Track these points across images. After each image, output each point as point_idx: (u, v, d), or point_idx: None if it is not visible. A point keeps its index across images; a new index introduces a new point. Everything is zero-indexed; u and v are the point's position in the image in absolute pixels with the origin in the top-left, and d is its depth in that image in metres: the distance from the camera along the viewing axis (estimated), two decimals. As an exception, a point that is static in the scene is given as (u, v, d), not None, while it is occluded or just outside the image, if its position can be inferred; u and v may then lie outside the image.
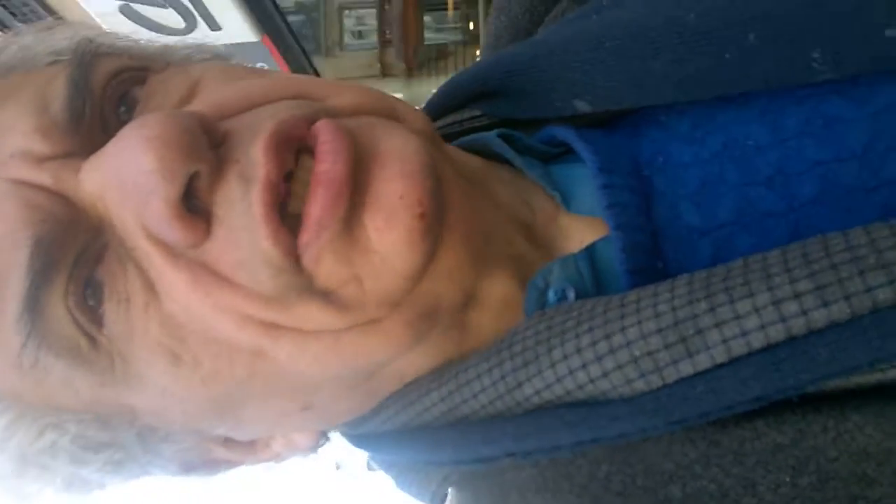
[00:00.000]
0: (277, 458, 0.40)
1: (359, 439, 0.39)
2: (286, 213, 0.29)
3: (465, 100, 0.43)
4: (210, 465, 0.40)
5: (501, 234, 0.36)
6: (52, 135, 0.31)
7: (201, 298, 0.29)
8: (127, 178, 0.28)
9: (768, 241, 0.27)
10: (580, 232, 0.36)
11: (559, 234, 0.37)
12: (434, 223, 0.30)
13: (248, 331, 0.30)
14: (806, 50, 0.29)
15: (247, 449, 0.40)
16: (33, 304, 0.29)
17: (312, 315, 0.29)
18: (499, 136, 0.39)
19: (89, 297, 0.30)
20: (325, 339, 0.30)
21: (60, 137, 0.31)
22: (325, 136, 0.29)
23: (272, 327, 0.30)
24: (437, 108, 0.45)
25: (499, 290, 0.34)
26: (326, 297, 0.30)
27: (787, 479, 0.24)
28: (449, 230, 0.31)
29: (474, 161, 0.39)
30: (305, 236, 0.29)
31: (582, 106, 0.36)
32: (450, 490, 0.37)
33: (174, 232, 0.28)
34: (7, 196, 0.30)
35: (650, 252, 0.33)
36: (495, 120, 0.43)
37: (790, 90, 0.32)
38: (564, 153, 0.40)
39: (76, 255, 0.30)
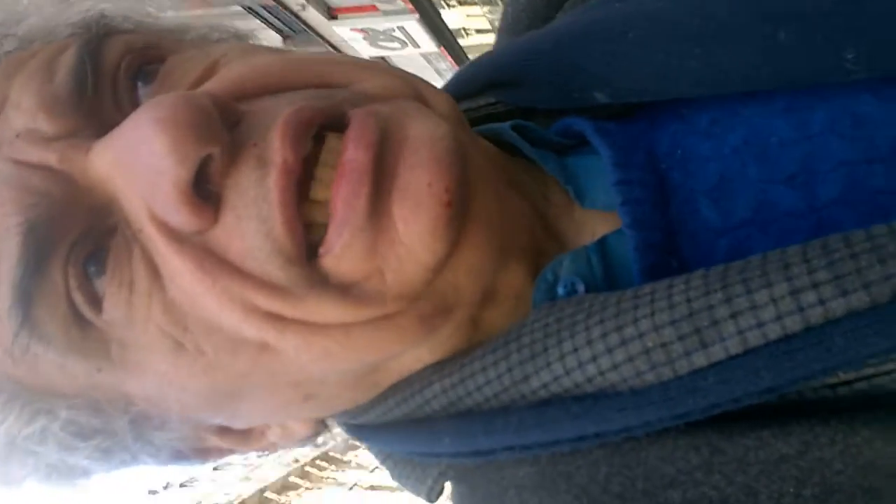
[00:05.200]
0: (272, 447, 0.40)
1: (357, 430, 0.38)
2: (307, 198, 0.28)
3: (482, 87, 0.42)
4: (202, 454, 0.39)
5: (525, 223, 0.35)
6: (57, 112, 0.30)
7: (207, 286, 0.28)
8: (138, 159, 0.28)
9: (788, 242, 0.26)
10: (594, 225, 0.35)
11: (572, 226, 0.36)
12: (459, 212, 0.29)
13: (253, 321, 0.29)
14: (839, 50, 0.29)
15: (241, 438, 0.39)
16: (25, 294, 0.29)
17: (325, 308, 0.29)
18: (512, 127, 0.38)
19: (93, 276, 0.30)
20: (335, 333, 0.29)
21: (65, 114, 0.30)
22: (355, 124, 0.28)
23: (278, 319, 0.29)
24: (453, 94, 0.44)
25: (514, 283, 0.33)
26: (345, 290, 0.29)
27: (791, 490, 0.24)
28: (473, 220, 0.30)
29: (492, 149, 0.38)
30: (329, 235, 0.28)
31: (601, 98, 0.35)
32: (447, 485, 0.35)
33: (180, 216, 0.28)
34: (5, 179, 0.29)
35: (665, 250, 0.32)
36: (511, 107, 0.41)
37: (817, 86, 0.31)
38: (579, 145, 0.39)
39: (79, 235, 0.29)
